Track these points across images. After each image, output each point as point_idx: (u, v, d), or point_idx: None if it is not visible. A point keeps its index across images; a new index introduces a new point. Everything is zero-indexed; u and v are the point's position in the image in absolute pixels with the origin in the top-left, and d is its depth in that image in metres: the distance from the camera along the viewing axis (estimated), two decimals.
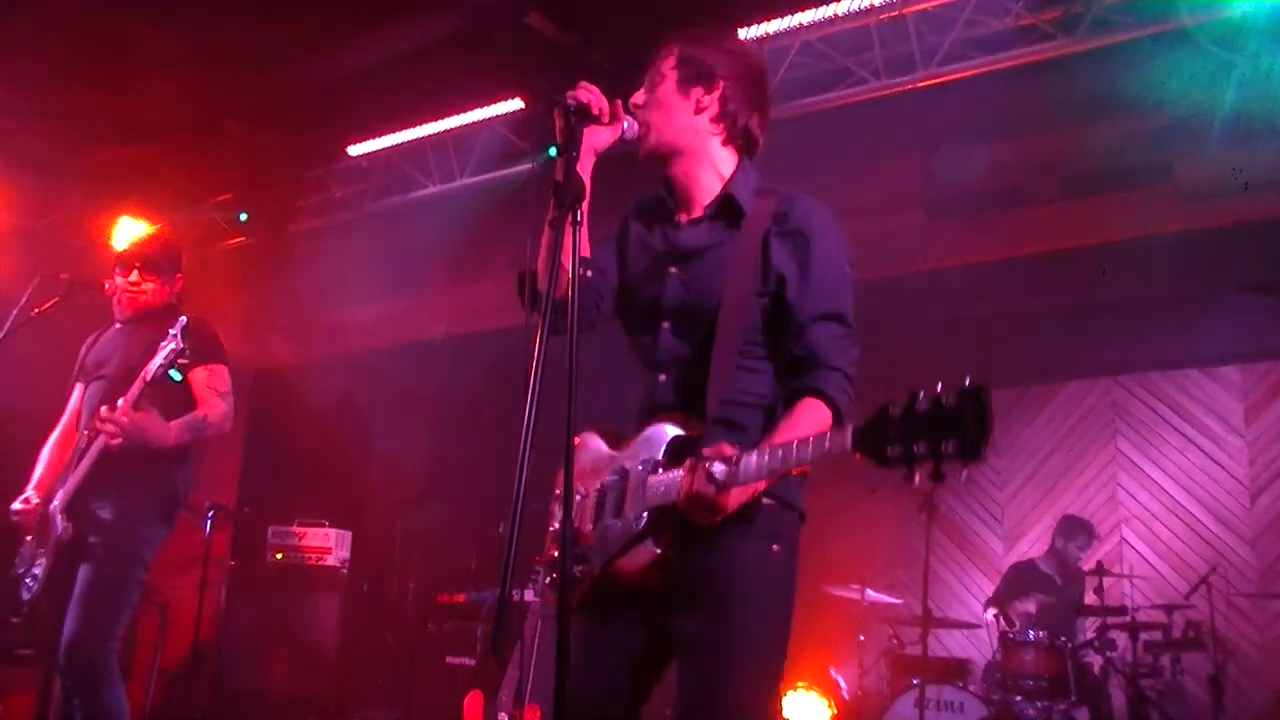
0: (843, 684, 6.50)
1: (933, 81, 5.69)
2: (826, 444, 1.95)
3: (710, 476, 2.07)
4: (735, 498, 2.13)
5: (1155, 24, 5.30)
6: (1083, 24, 5.46)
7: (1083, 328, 7.17)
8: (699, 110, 2.46)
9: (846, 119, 5.92)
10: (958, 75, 5.67)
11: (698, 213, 2.47)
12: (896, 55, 5.79)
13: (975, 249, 6.54)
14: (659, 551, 2.20)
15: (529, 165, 6.55)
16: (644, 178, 2.59)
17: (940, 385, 1.78)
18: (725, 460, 2.07)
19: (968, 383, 1.76)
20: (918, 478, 1.79)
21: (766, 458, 2.06)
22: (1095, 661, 5.99)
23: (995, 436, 5.77)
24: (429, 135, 6.94)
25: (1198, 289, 6.70)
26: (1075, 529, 6.72)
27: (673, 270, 2.43)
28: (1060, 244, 6.40)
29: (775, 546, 2.27)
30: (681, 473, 2.15)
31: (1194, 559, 7.08)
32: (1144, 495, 7.47)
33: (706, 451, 2.11)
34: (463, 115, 6.66)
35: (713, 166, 2.47)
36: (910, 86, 5.75)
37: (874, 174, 6.30)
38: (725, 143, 2.48)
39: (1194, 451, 7.38)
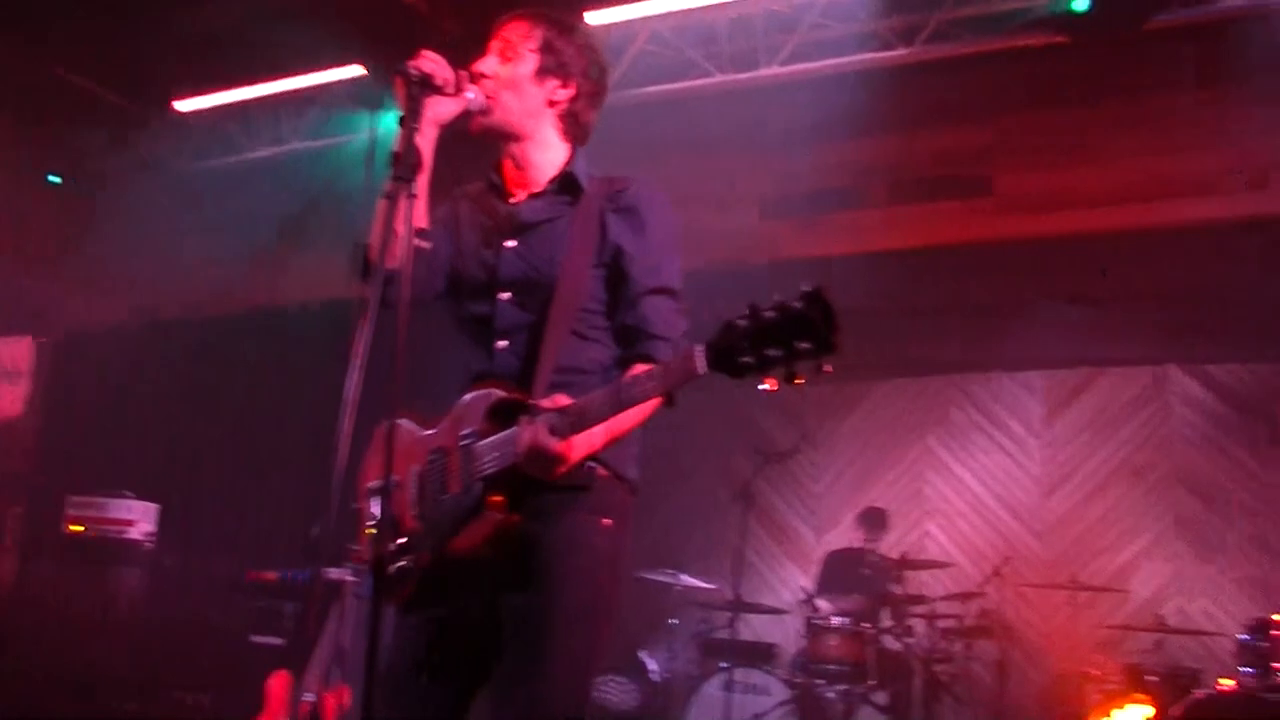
0: (651, 666, 6.61)
1: (775, 78, 5.81)
2: (679, 367, 1.99)
3: (552, 427, 2.07)
4: (578, 447, 2.13)
5: (990, 40, 5.54)
6: (921, 36, 5.67)
7: (900, 329, 7.46)
8: (550, 103, 2.48)
9: (690, 110, 5.99)
10: (799, 75, 5.81)
11: (535, 189, 2.49)
12: (742, 51, 5.89)
13: (806, 245, 6.73)
14: (498, 518, 2.17)
15: (367, 133, 6.39)
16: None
17: (777, 295, 1.85)
18: (563, 409, 2.08)
19: (806, 287, 1.84)
20: (772, 382, 1.86)
21: (609, 394, 2.08)
22: (895, 647, 6.27)
23: (812, 429, 5.97)
24: (262, 96, 6.68)
25: (1010, 296, 7.07)
26: (870, 519, 7.05)
27: (510, 243, 2.44)
28: (885, 246, 6.65)
29: (607, 520, 2.30)
30: (512, 430, 2.13)
31: (989, 551, 7.47)
32: (948, 491, 7.84)
33: (543, 402, 2.12)
34: (300, 78, 6.43)
35: (548, 153, 2.50)
36: (752, 83, 5.86)
37: (714, 166, 6.40)
38: (563, 135, 2.52)
39: (996, 451, 7.80)
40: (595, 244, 2.39)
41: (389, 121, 5.90)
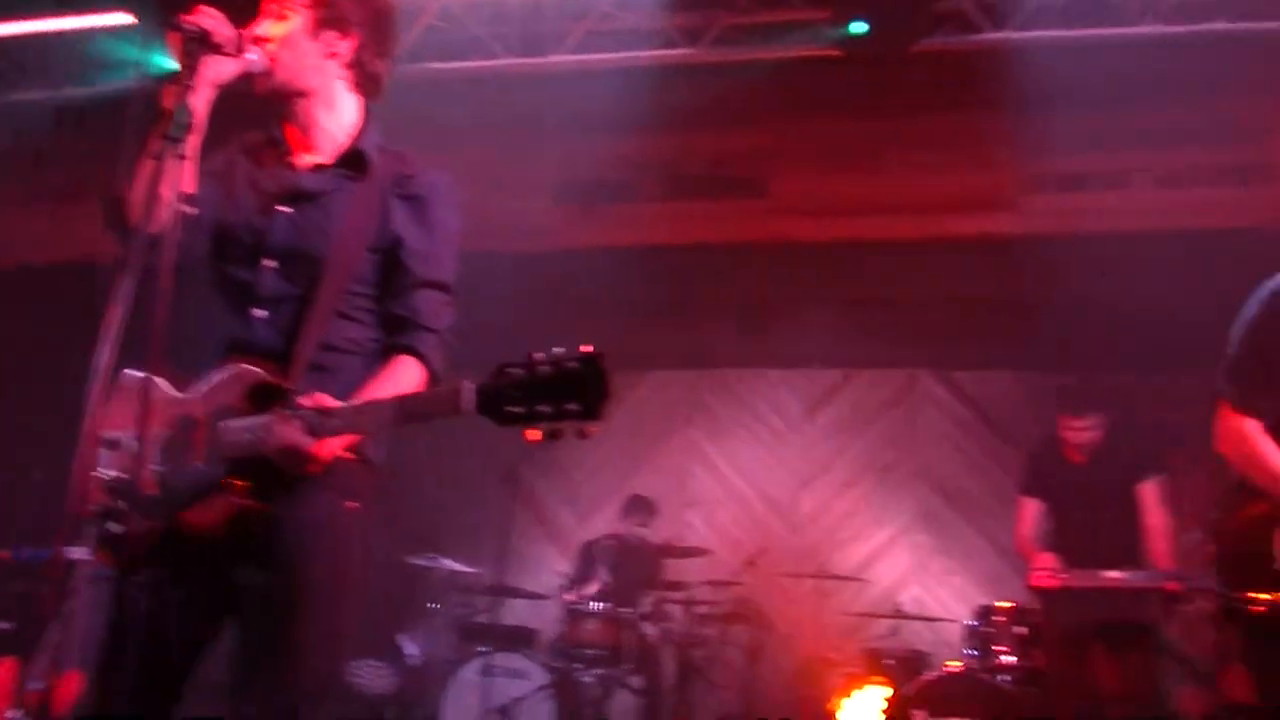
0: (410, 650, 6.52)
1: (562, 66, 5.81)
2: (445, 400, 1.97)
3: (310, 427, 2.02)
4: (331, 449, 2.09)
5: (773, 49, 5.72)
6: (707, 37, 5.79)
7: (671, 322, 7.62)
8: (330, 55, 2.39)
9: (481, 90, 5.93)
10: (586, 65, 5.84)
11: (319, 157, 2.40)
12: (532, 34, 5.87)
13: (589, 235, 6.77)
14: (238, 502, 2.11)
15: (134, 84, 6.00)
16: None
17: (557, 350, 1.87)
18: (325, 411, 2.03)
19: (586, 349, 1.87)
20: (536, 434, 1.87)
21: (374, 410, 2.05)
22: (652, 632, 6.41)
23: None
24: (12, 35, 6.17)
25: (776, 296, 7.33)
26: (637, 507, 7.17)
27: (284, 210, 2.34)
28: (661, 240, 6.77)
29: (351, 502, 2.25)
30: (268, 419, 2.07)
31: (746, 540, 7.75)
32: (709, 481, 8.09)
33: (304, 400, 2.06)
34: (59, 20, 5.96)
35: (336, 111, 2.42)
36: (541, 68, 5.85)
37: (502, 150, 6.34)
38: (352, 88, 2.45)
39: (756, 444, 8.10)
40: (375, 226, 2.34)
41: (160, 74, 5.57)
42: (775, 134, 6.54)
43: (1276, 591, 2.41)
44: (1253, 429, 2.59)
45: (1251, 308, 2.67)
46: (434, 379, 2.30)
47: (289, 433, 2.03)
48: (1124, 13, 5.09)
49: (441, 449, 7.35)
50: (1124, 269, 5.73)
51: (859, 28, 5.39)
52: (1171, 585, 4.83)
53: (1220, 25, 4.99)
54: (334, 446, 2.10)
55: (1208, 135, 5.45)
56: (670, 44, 5.87)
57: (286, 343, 2.24)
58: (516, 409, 1.87)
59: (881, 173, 6.47)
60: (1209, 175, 5.59)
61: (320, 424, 2.03)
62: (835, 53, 5.76)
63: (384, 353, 2.32)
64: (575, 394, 1.84)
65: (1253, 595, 2.42)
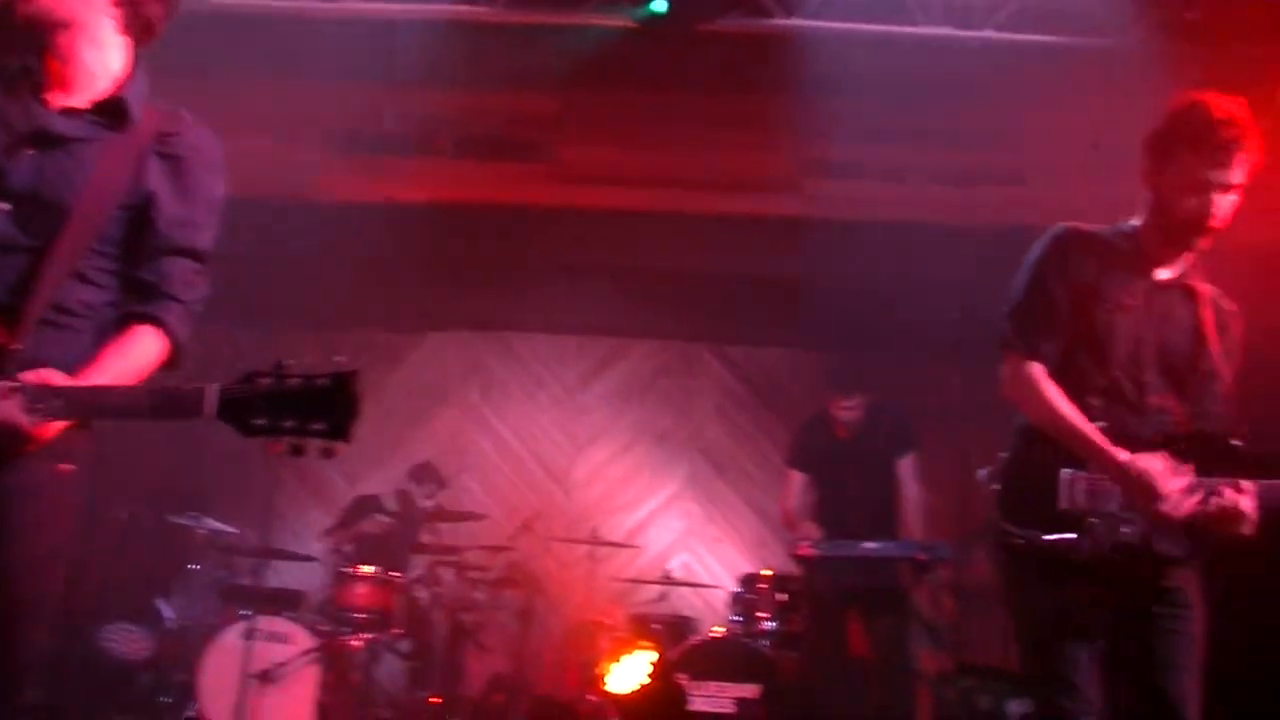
0: (168, 614, 6.24)
1: (358, 13, 5.61)
2: (185, 401, 1.88)
3: (28, 405, 1.89)
4: (49, 431, 1.96)
5: (569, 14, 5.68)
6: None
7: (453, 282, 7.51)
8: None
9: (270, 31, 5.63)
10: (382, 14, 5.65)
11: (75, 100, 2.22)
12: None
13: (371, 189, 6.58)
14: None
15: None
16: None
17: (310, 363, 1.84)
18: (49, 390, 1.90)
19: (341, 366, 1.84)
20: (276, 448, 1.84)
21: (102, 397, 1.94)
22: (423, 596, 6.35)
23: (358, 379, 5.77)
24: None
25: (559, 261, 7.33)
26: (426, 475, 7.08)
27: (30, 152, 2.15)
28: (447, 197, 6.65)
29: (67, 465, 2.11)
30: None
31: (521, 505, 7.77)
32: (486, 445, 8.05)
33: (29, 377, 1.92)
34: None
35: (100, 50, 2.24)
36: (335, 13, 5.62)
37: (288, 94, 6.06)
38: (121, 29, 2.26)
39: (534, 409, 8.12)
40: (128, 183, 2.18)
41: None
42: (566, 101, 6.51)
43: (1061, 530, 2.54)
44: (1038, 372, 2.66)
45: (1034, 254, 2.78)
46: (176, 354, 2.19)
47: (6, 409, 1.89)
48: (907, 12, 5.31)
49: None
50: (894, 258, 6.04)
51: (660, 6, 5.43)
52: (921, 555, 5.17)
53: (989, 33, 5.27)
54: (53, 429, 1.97)
55: (978, 136, 5.78)
56: (467, 0, 5.75)
57: (11, 297, 2.06)
58: (260, 420, 1.82)
59: (669, 147, 6.55)
60: (978, 174, 5.93)
61: (41, 404, 1.90)
62: (629, 24, 5.79)
63: (122, 321, 2.17)
64: (322, 412, 1.81)
65: (1033, 533, 2.54)
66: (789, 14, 5.63)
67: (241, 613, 5.68)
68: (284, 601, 6.18)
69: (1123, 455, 2.53)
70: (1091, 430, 2.57)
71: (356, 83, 6.04)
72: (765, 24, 5.78)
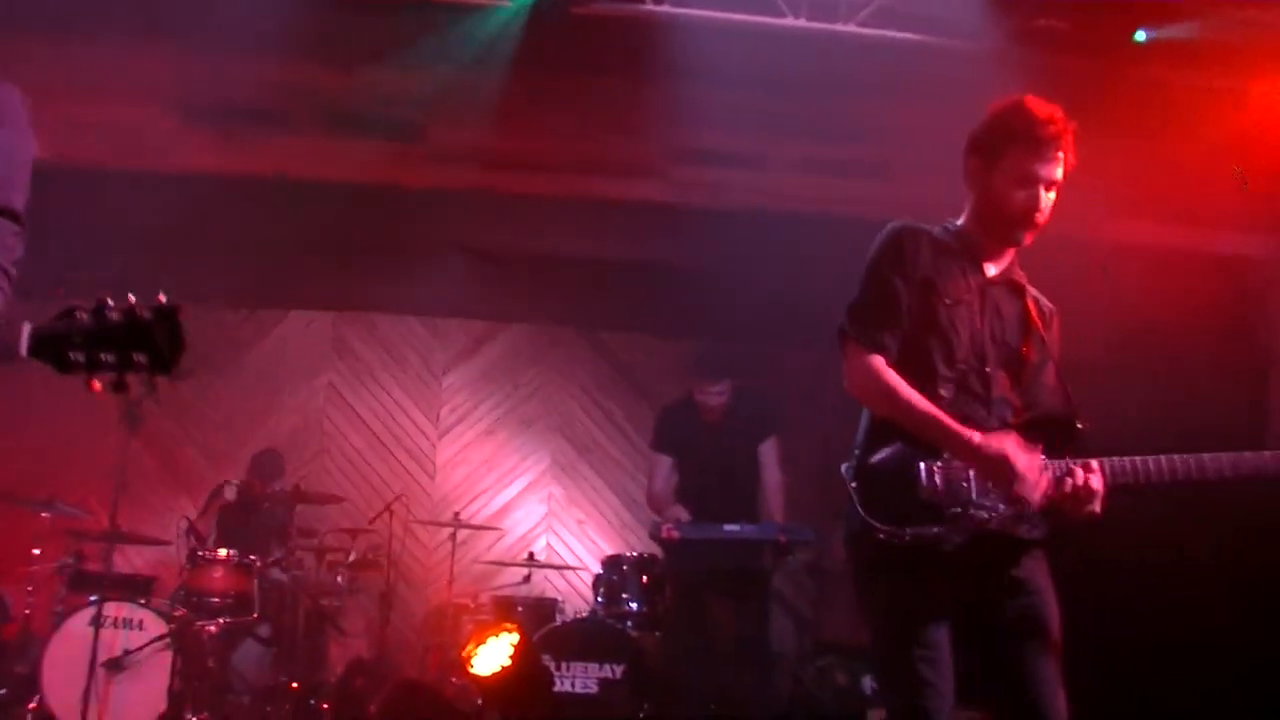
0: (6, 601, 5.99)
1: None
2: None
3: None
4: None
5: None
6: None
7: (317, 261, 7.35)
8: None
9: None
10: None
11: None
12: None
13: (227, 161, 6.38)
14: None
15: None
16: None
17: (132, 297, 1.79)
18: None
19: (162, 300, 1.80)
20: (96, 384, 1.79)
21: None
22: (282, 579, 6.23)
23: (216, 354, 5.70)
24: None
25: (427, 243, 7.25)
26: (266, 463, 6.97)
27: None
28: (311, 175, 6.51)
29: None
30: None
31: (383, 488, 7.69)
32: (348, 427, 7.93)
33: None
34: None
35: None
36: None
37: (140, 57, 5.82)
38: None
39: (398, 391, 8.02)
40: None
41: None
42: (437, 80, 6.44)
43: (923, 523, 2.56)
44: (880, 364, 2.68)
45: (872, 251, 2.83)
46: None
47: None
48: (774, 5, 5.40)
49: (55, 383, 6.73)
50: (760, 246, 6.15)
51: None
52: (782, 538, 5.31)
53: (850, 28, 5.41)
54: None
55: (843, 130, 5.91)
56: None
57: None
58: (78, 355, 1.77)
59: (539, 130, 6.53)
60: (838, 167, 6.08)
61: None
62: (504, 5, 5.75)
63: None
64: (144, 344, 1.77)
65: (896, 528, 2.55)
66: (660, 1, 5.68)
67: (90, 599, 5.48)
68: (135, 587, 5.99)
69: (977, 437, 2.57)
70: (943, 416, 2.61)
71: (221, 53, 5.85)
72: (638, 9, 5.81)
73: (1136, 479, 2.64)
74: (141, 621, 5.50)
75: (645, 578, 5.82)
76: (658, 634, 5.77)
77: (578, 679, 5.58)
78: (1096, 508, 2.60)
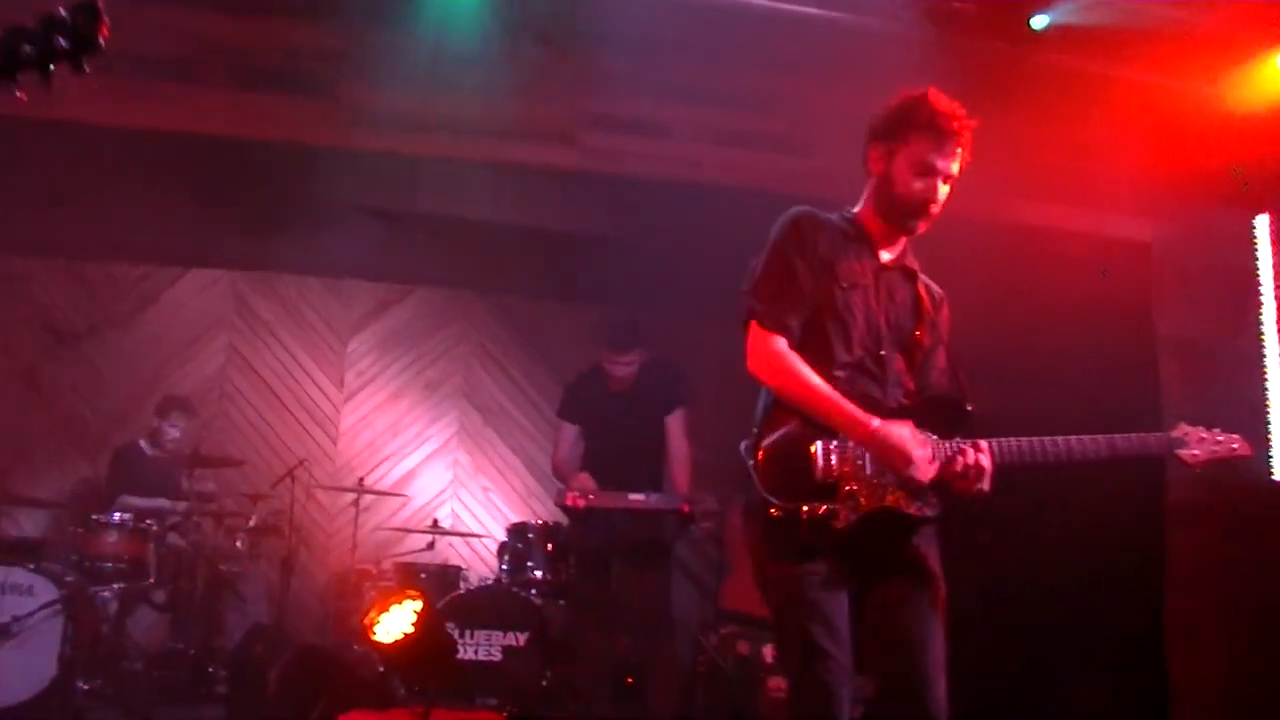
0: None
1: None
2: None
3: None
4: None
5: None
6: None
7: (220, 218, 7.17)
8: None
9: None
10: None
11: None
12: None
13: (132, 114, 6.18)
14: None
15: None
16: None
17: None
18: None
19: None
20: (21, 93, 1.79)
21: None
22: (180, 544, 6.12)
23: (112, 311, 5.57)
24: None
25: (330, 204, 7.12)
26: (170, 407, 6.79)
27: None
28: (216, 130, 6.33)
29: None
30: None
31: (285, 452, 7.58)
32: (249, 388, 7.78)
33: None
34: None
35: None
36: None
37: (36, 1, 5.60)
38: None
39: (301, 353, 7.90)
40: None
41: None
42: (349, 37, 6.31)
43: (818, 500, 2.62)
44: (781, 346, 2.73)
45: (773, 234, 2.87)
46: None
47: None
48: None
49: None
50: (667, 215, 6.17)
51: None
52: (685, 507, 5.35)
53: (764, 1, 5.43)
54: None
55: (751, 102, 5.95)
56: None
57: None
58: None
59: (448, 90, 6.44)
60: (749, 139, 6.12)
61: None
62: None
63: None
64: (64, 30, 1.78)
65: (791, 504, 2.60)
66: None
67: None
68: (24, 551, 5.82)
69: (874, 423, 2.64)
70: (841, 400, 2.67)
71: (126, 1, 5.65)
72: None
73: (1023, 458, 2.75)
74: (31, 587, 5.35)
75: (550, 545, 5.85)
76: (562, 602, 5.81)
77: (481, 646, 5.59)
78: (985, 485, 2.70)
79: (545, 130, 6.47)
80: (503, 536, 6.13)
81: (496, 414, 8.00)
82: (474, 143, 6.49)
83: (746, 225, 5.76)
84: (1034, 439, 2.76)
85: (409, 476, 7.83)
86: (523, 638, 5.63)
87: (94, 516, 5.73)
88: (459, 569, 6.46)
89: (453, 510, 7.76)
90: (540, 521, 6.11)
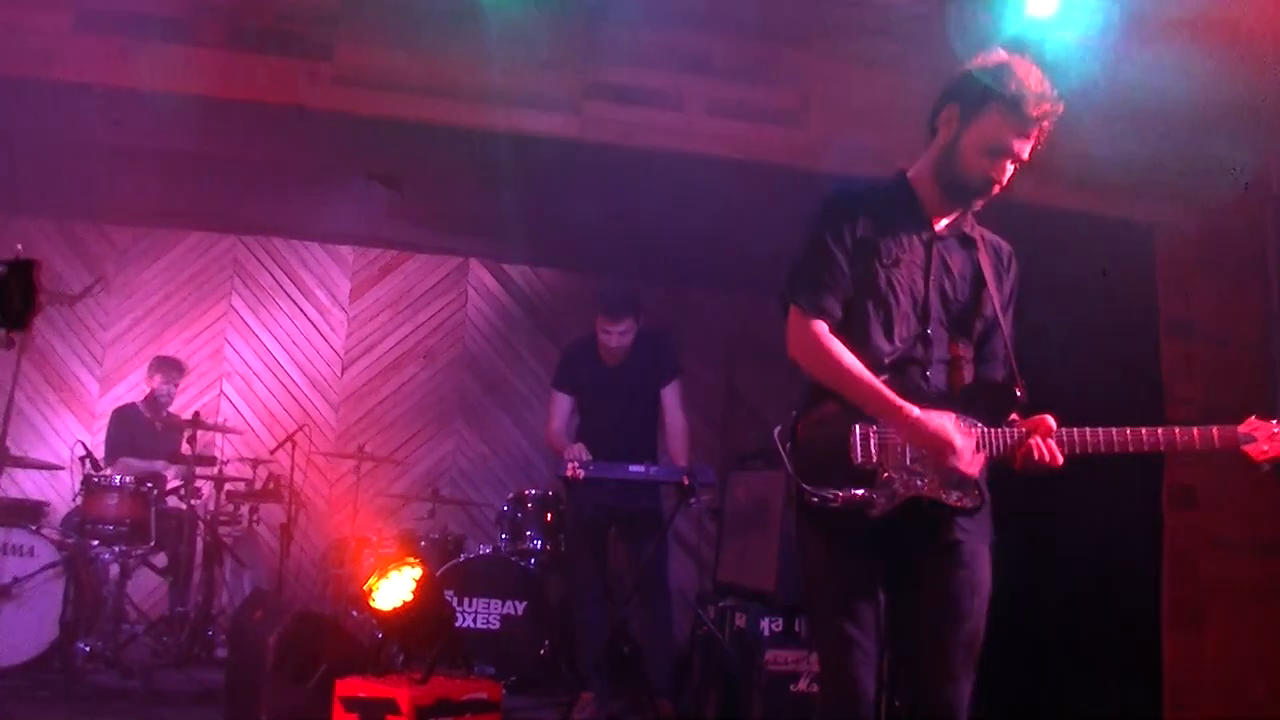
0: None
1: None
2: None
3: None
4: None
5: None
6: None
7: (218, 181, 7.14)
8: None
9: None
10: None
11: None
12: None
13: (124, 74, 6.14)
14: None
15: None
16: None
17: None
18: None
19: (18, 254, 1.76)
20: None
21: None
22: (179, 508, 6.14)
23: (109, 273, 5.55)
24: None
25: (331, 168, 7.08)
26: (164, 366, 6.80)
27: None
28: (212, 92, 6.28)
29: None
30: None
31: (284, 418, 7.59)
32: (248, 353, 7.78)
33: None
34: None
35: None
36: None
37: None
38: None
39: (301, 319, 7.88)
40: None
41: None
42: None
43: (853, 486, 2.54)
44: (822, 330, 2.64)
45: (811, 215, 2.74)
46: None
47: None
48: None
49: None
50: (670, 187, 6.13)
51: None
52: (684, 479, 5.34)
53: None
54: None
55: (755, 73, 5.90)
56: None
57: None
58: None
59: (448, 56, 6.39)
60: (754, 112, 6.06)
61: None
62: None
63: None
64: None
65: (827, 491, 2.52)
66: None
67: None
68: (25, 513, 5.86)
69: (915, 412, 2.54)
70: (882, 387, 2.57)
71: None
72: None
73: (1085, 450, 2.64)
74: (32, 548, 5.40)
75: (549, 515, 5.87)
76: (559, 572, 5.83)
77: (480, 615, 5.63)
78: (1059, 461, 2.60)
79: (549, 98, 6.42)
80: (502, 506, 6.14)
81: (497, 383, 8.00)
82: (474, 109, 6.44)
83: (750, 197, 5.74)
84: (1099, 429, 2.65)
85: (410, 444, 7.83)
86: (521, 607, 5.67)
87: (94, 478, 5.74)
88: (459, 537, 6.48)
89: (453, 479, 7.77)
90: (540, 491, 6.12)
